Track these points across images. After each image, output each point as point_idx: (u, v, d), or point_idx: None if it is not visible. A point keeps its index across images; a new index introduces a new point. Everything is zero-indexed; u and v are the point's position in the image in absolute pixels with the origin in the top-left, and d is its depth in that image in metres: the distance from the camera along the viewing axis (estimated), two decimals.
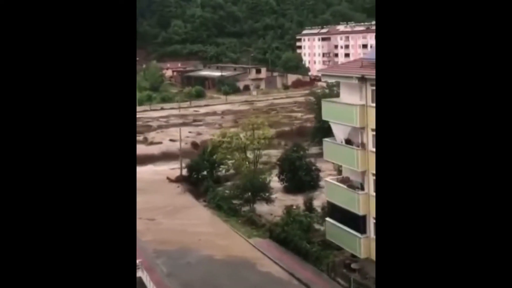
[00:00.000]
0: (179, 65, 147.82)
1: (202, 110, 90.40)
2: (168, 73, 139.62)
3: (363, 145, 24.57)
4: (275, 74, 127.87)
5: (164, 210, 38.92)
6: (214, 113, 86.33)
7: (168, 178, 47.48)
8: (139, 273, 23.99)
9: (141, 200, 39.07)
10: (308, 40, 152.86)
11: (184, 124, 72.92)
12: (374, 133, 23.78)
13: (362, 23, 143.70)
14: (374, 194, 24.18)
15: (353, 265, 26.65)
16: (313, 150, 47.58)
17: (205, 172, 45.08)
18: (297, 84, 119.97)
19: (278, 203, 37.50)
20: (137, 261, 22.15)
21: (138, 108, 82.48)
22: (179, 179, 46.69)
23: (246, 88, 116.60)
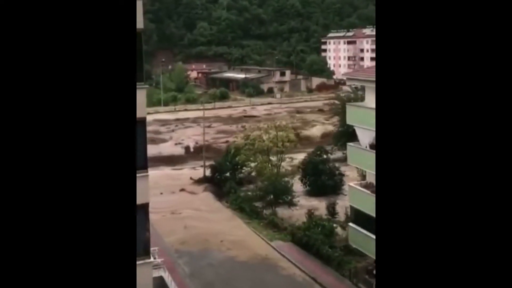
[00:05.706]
0: (204, 66, 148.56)
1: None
2: (193, 74, 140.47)
3: None
4: (300, 77, 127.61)
5: (185, 211, 39.16)
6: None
7: (191, 178, 47.87)
8: (160, 273, 24.16)
9: (163, 200, 39.56)
10: (334, 43, 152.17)
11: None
12: None
13: None
14: None
15: (375, 271, 26.41)
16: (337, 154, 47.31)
17: (228, 174, 45.26)
18: (321, 88, 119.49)
19: (301, 206, 37.37)
20: (159, 261, 22.40)
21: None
22: (202, 180, 46.99)
23: (270, 90, 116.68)
